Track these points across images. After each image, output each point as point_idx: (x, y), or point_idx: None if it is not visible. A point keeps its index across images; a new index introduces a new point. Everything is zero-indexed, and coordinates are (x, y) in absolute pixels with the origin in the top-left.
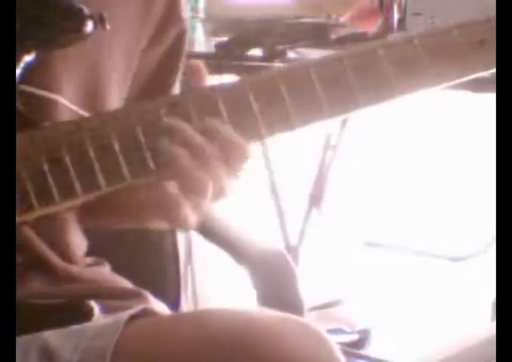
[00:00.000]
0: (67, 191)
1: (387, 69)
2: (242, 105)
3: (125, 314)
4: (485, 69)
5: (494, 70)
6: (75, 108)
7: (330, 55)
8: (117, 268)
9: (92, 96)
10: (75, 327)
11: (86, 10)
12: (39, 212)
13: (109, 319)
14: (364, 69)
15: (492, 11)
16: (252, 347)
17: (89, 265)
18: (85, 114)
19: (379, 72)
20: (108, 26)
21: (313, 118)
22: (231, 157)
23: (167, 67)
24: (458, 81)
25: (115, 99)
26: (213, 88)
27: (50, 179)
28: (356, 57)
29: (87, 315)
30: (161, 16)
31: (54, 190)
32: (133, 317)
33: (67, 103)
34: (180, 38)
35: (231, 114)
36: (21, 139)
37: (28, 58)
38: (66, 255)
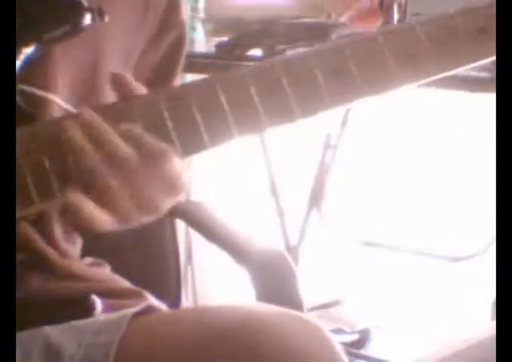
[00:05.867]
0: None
1: (387, 57)
2: (243, 98)
3: (129, 311)
4: (487, 56)
5: (494, 59)
6: (69, 108)
7: (330, 44)
8: (117, 269)
9: (87, 96)
10: (77, 323)
11: (85, 3)
12: (39, 207)
13: (113, 315)
14: (365, 58)
15: None
16: (254, 343)
17: (89, 266)
18: None
19: (380, 60)
20: (107, 19)
21: (314, 108)
22: (149, 162)
23: (166, 70)
24: (460, 68)
25: (110, 98)
26: (213, 81)
27: (50, 173)
28: (356, 46)
29: (90, 310)
30: (161, 20)
31: (55, 184)
32: (135, 315)
33: (62, 103)
34: (179, 41)
35: (232, 106)
36: (22, 135)
37: (27, 50)
38: (60, 253)
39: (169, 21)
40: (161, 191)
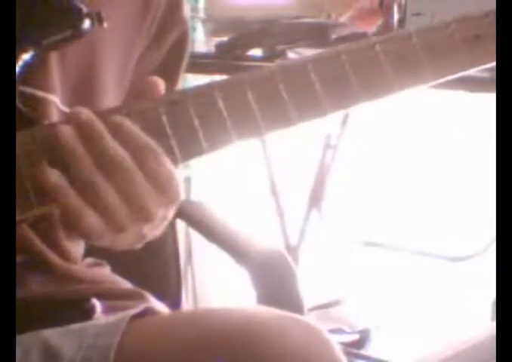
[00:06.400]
0: None
1: (384, 64)
2: (240, 103)
3: (128, 313)
4: (482, 63)
5: (490, 65)
6: (66, 109)
7: (327, 51)
8: (118, 269)
9: (84, 98)
10: (76, 326)
11: (84, 9)
12: (38, 211)
13: (112, 318)
14: (362, 65)
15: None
16: (252, 345)
17: (89, 267)
18: None
19: (377, 67)
20: (105, 24)
21: (311, 114)
22: (139, 159)
23: (169, 69)
24: (455, 76)
25: (109, 100)
26: (211, 86)
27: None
28: (353, 53)
29: (89, 313)
30: (162, 19)
31: None
32: (135, 316)
33: (60, 105)
34: (182, 39)
35: (230, 111)
36: (22, 138)
37: (26, 57)
38: (62, 254)
39: (171, 20)
40: (153, 193)
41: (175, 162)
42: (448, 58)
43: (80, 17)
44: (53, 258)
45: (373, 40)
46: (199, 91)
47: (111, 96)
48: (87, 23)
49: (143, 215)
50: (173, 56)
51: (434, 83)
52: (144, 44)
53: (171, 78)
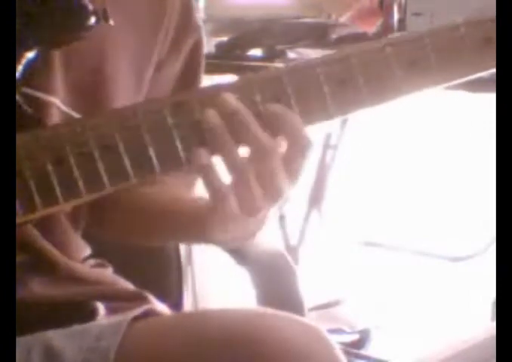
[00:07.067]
0: (71, 191)
1: (395, 67)
2: (247, 105)
3: (129, 315)
4: (491, 67)
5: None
6: (71, 112)
7: (336, 53)
8: (120, 270)
9: (95, 102)
10: (78, 327)
11: (90, 6)
12: (42, 212)
13: (113, 319)
14: (371, 67)
15: (492, 11)
16: (253, 346)
17: (92, 267)
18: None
19: (386, 70)
20: (112, 22)
21: (318, 117)
22: (292, 150)
23: (188, 77)
24: (465, 79)
25: (120, 103)
26: (217, 86)
27: (53, 179)
28: (363, 55)
29: (91, 315)
30: (178, 24)
31: (58, 190)
32: (136, 318)
33: (62, 106)
34: (198, 46)
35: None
36: (25, 139)
37: (29, 55)
38: (68, 255)
39: (186, 26)
40: (284, 173)
41: None
42: (459, 61)
43: (85, 14)
44: (57, 255)
45: (383, 42)
46: (205, 92)
47: (123, 98)
48: (92, 20)
49: (276, 194)
50: (190, 64)
51: (444, 86)
52: (163, 48)
53: (191, 86)
